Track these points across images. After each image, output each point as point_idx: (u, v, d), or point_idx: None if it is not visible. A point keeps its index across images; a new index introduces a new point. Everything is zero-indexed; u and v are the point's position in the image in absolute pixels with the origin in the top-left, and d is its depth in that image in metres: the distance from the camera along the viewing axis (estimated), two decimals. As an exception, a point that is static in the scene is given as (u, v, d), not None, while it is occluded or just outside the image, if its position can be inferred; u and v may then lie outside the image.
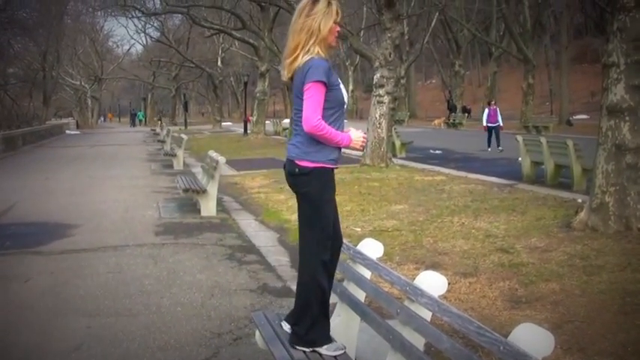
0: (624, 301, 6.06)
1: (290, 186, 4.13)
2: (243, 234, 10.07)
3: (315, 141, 3.92)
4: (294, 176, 4.00)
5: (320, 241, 3.99)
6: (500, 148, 24.82)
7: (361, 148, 4.12)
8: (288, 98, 32.48)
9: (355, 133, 4.05)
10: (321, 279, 4.01)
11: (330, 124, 3.90)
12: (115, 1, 43.26)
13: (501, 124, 26.14)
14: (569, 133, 31.18)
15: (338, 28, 4.03)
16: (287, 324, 4.17)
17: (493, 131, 25.53)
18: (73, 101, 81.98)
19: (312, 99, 3.81)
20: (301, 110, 3.91)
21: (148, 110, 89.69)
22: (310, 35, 3.89)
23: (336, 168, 4.06)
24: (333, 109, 3.93)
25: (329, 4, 3.94)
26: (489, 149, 25.35)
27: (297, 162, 3.95)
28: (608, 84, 9.18)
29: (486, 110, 26.48)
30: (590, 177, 10.74)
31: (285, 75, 4.07)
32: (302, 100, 3.89)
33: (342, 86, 4.01)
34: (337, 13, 3.97)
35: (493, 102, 27.37)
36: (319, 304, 4.02)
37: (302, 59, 3.89)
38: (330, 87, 3.87)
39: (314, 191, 3.96)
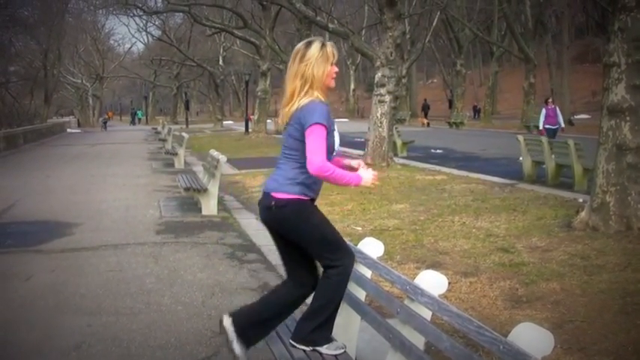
0: (625, 300, 6.06)
1: (266, 222, 4.05)
2: (244, 233, 10.07)
3: (296, 173, 3.86)
4: (270, 210, 3.92)
5: (335, 251, 3.96)
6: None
7: (373, 186, 4.04)
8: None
9: (366, 172, 3.96)
10: (343, 286, 4.01)
11: None
12: (116, 0, 43.27)
13: (562, 126, 21.76)
14: (570, 133, 31.07)
15: (336, 70, 3.96)
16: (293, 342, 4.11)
17: (553, 135, 20.42)
18: (75, 100, 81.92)
19: (316, 141, 3.73)
20: (290, 148, 3.87)
21: (150, 109, 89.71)
22: (305, 81, 3.84)
23: (314, 200, 3.99)
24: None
25: (322, 46, 3.90)
26: None
27: (273, 194, 3.89)
28: (609, 84, 9.19)
29: (543, 110, 21.60)
30: (591, 177, 10.75)
31: (282, 121, 3.99)
32: (296, 139, 3.84)
33: (336, 132, 3.96)
34: (333, 55, 3.92)
35: (551, 100, 22.31)
36: (333, 309, 4.02)
37: (300, 102, 3.83)
38: (327, 131, 3.81)
39: (296, 222, 3.90)
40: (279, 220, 3.95)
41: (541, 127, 21.51)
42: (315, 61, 3.85)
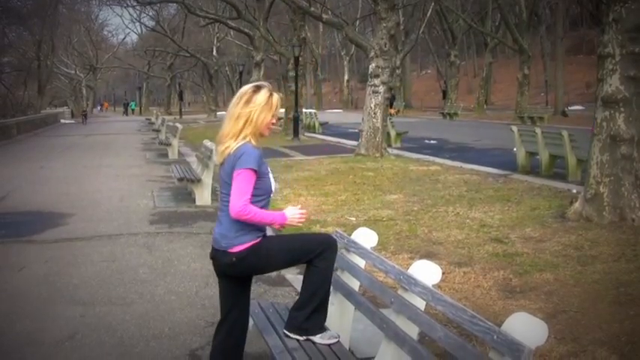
0: (618, 291, 6.08)
1: (226, 275, 3.97)
2: (238, 223, 10.04)
3: (240, 223, 3.80)
4: (232, 265, 3.87)
5: (313, 248, 3.97)
6: None
7: (299, 224, 3.97)
8: (283, 88, 32.48)
9: (291, 210, 3.92)
10: (330, 272, 4.03)
11: None
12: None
13: None
14: (564, 124, 31.13)
15: (274, 121, 3.96)
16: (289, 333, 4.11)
17: None
18: (68, 90, 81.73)
19: (240, 185, 3.71)
20: (229, 195, 3.80)
21: (143, 99, 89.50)
22: (247, 124, 3.82)
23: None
24: (261, 197, 3.84)
25: (270, 95, 3.88)
26: None
27: (230, 251, 3.83)
28: (603, 75, 9.20)
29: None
30: (584, 168, 10.77)
31: (217, 160, 3.97)
32: (230, 185, 3.81)
33: (271, 175, 3.95)
34: (277, 106, 3.91)
35: None
36: (323, 296, 4.03)
37: (234, 145, 3.81)
38: (259, 176, 3.79)
39: (262, 263, 3.91)
40: (244, 269, 3.92)
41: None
42: (261, 108, 3.84)
